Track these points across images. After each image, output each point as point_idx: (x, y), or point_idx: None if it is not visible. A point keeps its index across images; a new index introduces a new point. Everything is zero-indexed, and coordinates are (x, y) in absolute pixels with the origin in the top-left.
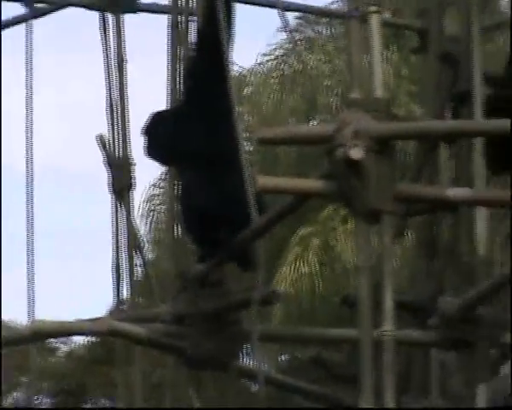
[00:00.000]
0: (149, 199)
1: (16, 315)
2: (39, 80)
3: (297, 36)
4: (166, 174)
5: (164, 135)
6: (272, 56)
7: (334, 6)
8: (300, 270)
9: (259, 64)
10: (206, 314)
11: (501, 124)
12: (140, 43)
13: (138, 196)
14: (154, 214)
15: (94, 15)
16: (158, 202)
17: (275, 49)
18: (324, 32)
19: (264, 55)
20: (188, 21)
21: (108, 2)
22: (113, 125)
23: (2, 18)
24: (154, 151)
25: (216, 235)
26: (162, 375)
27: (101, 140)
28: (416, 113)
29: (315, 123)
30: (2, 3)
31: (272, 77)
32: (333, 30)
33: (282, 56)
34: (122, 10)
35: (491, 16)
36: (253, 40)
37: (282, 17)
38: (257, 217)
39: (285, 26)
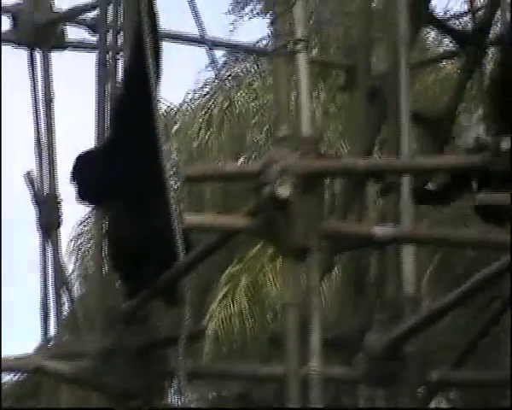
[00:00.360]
0: (77, 237)
1: None
2: None
3: (225, 73)
4: (93, 212)
5: (91, 177)
6: (200, 93)
7: (261, 43)
8: (230, 308)
9: (187, 101)
10: (132, 351)
11: (426, 162)
12: (69, 79)
13: (66, 233)
14: (81, 252)
15: (22, 53)
16: (85, 239)
17: (203, 87)
18: (252, 69)
19: (194, 92)
20: (115, 59)
21: (36, 38)
22: (40, 162)
23: None
24: (84, 195)
25: (142, 272)
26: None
27: (28, 177)
28: (345, 151)
29: (242, 160)
30: None
31: (200, 114)
32: (260, 67)
33: (209, 94)
34: (50, 47)
35: (420, 54)
36: (182, 77)
37: (210, 54)
38: (183, 254)
39: (212, 64)
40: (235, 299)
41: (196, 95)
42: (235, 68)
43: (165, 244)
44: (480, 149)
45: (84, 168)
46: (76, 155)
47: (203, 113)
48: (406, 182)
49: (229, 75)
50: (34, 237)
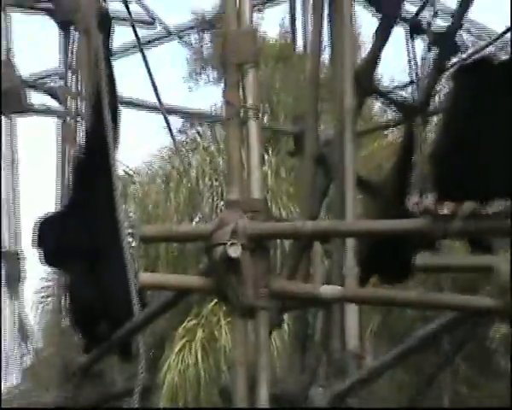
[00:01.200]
0: (39, 291)
1: None
2: None
3: (182, 137)
4: (55, 271)
5: (51, 242)
6: (158, 156)
7: (215, 109)
8: (186, 360)
9: (145, 163)
10: (89, 404)
11: (369, 225)
12: (32, 142)
13: (29, 288)
14: (43, 305)
15: None
16: (47, 293)
17: (160, 150)
18: (208, 133)
19: (151, 155)
20: (76, 124)
21: (1, 104)
22: (7, 225)
23: None
24: (46, 259)
25: (98, 328)
26: None
27: None
28: (295, 212)
29: (197, 221)
30: None
31: (158, 176)
32: (215, 132)
33: (166, 157)
34: (12, 111)
35: (365, 122)
36: (139, 141)
37: (166, 121)
38: (139, 311)
39: (169, 129)
40: (191, 352)
41: (154, 158)
42: (192, 132)
43: (121, 302)
44: (423, 213)
45: (45, 234)
46: (38, 218)
47: (161, 175)
48: (350, 244)
49: (186, 140)
50: None
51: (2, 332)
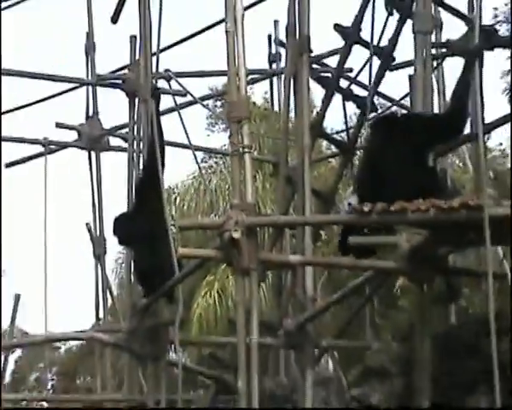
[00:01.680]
0: (117, 259)
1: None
2: None
3: (204, 166)
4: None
5: (123, 230)
6: (190, 177)
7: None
8: (208, 301)
9: (182, 182)
10: (148, 328)
11: (321, 218)
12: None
13: (110, 257)
14: (119, 269)
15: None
16: (121, 261)
17: (192, 173)
18: (222, 163)
19: (187, 176)
20: (138, 157)
21: (92, 145)
22: (95, 218)
23: None
24: (120, 241)
25: (153, 283)
26: (123, 363)
27: (87, 227)
28: (273, 211)
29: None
30: None
31: (190, 189)
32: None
33: (196, 177)
34: (100, 150)
35: (317, 154)
36: (177, 167)
37: (194, 155)
38: (178, 271)
39: (196, 161)
40: (211, 296)
41: (187, 178)
42: (211, 161)
43: (167, 266)
44: (352, 212)
45: (119, 225)
46: (115, 216)
47: (193, 190)
48: (308, 231)
49: (208, 166)
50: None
51: (95, 286)
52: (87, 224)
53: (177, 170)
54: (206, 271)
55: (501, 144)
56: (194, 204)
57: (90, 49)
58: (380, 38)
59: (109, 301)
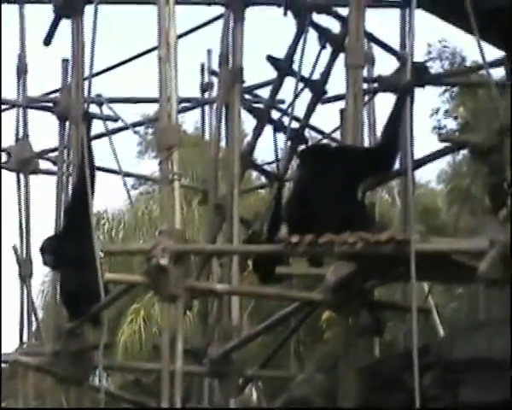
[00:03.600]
0: (42, 282)
1: None
2: None
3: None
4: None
5: (50, 253)
6: (121, 203)
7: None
8: (134, 328)
9: (110, 207)
10: (72, 352)
11: (248, 248)
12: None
13: (36, 280)
14: (45, 291)
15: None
16: (47, 284)
17: (125, 201)
18: (152, 190)
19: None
20: (67, 180)
21: (21, 166)
22: (22, 240)
23: None
24: (47, 263)
25: (79, 307)
26: (47, 385)
27: (14, 249)
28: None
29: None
30: None
31: (122, 216)
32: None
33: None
34: (29, 172)
35: (246, 184)
36: (107, 192)
37: (124, 181)
38: (104, 296)
39: (126, 187)
40: (136, 323)
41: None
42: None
43: (93, 291)
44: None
45: (46, 248)
46: (42, 238)
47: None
48: (235, 260)
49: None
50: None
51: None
52: (13, 246)
53: (107, 195)
54: (132, 298)
55: (429, 181)
56: (123, 230)
57: (21, 70)
58: (312, 71)
59: (34, 323)
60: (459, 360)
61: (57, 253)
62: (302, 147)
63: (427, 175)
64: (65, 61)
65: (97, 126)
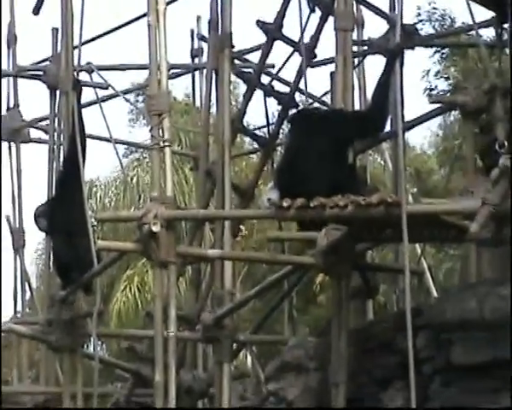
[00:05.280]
0: (35, 251)
1: None
2: None
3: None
4: (46, 238)
5: (44, 219)
6: (113, 170)
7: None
8: (127, 295)
9: (105, 177)
10: (65, 320)
11: (240, 213)
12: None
13: (29, 249)
14: (38, 261)
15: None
16: (40, 253)
17: (116, 167)
18: (143, 157)
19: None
20: (59, 149)
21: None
22: (13, 210)
23: None
24: (41, 228)
25: (71, 275)
26: (41, 353)
27: (7, 219)
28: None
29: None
30: None
31: (114, 184)
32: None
33: (118, 171)
34: (20, 142)
35: (238, 149)
36: (98, 160)
37: (115, 149)
38: (96, 263)
39: (117, 155)
40: (130, 290)
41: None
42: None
43: (85, 258)
44: (271, 205)
45: (40, 212)
46: (35, 207)
47: (116, 183)
48: (227, 225)
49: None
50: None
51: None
52: (7, 217)
53: (99, 163)
54: (126, 265)
55: (422, 144)
56: (115, 198)
57: (10, 40)
58: (301, 35)
59: (27, 293)
60: (451, 321)
61: (51, 218)
62: (292, 111)
63: (418, 140)
64: (54, 29)
65: (88, 94)
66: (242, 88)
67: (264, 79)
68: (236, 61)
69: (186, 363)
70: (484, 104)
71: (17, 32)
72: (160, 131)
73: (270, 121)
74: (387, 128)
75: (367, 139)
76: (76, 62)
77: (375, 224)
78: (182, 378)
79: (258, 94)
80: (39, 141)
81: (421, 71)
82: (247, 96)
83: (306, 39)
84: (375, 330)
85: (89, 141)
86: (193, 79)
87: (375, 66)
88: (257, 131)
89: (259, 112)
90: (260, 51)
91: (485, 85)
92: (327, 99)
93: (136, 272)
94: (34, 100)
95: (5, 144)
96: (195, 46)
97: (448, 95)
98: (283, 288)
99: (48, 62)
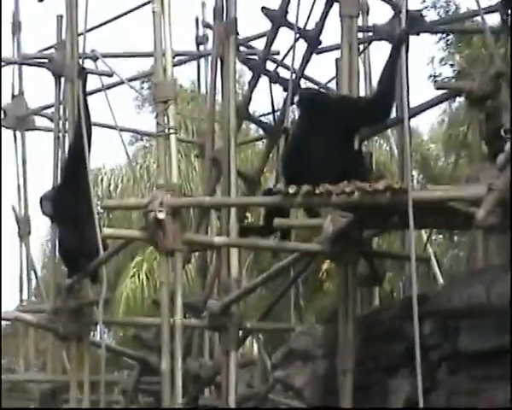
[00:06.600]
0: (41, 239)
1: None
2: None
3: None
4: (51, 226)
5: (49, 207)
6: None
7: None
8: (136, 282)
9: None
10: (71, 308)
11: (246, 200)
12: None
13: (35, 237)
14: (44, 249)
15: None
16: (46, 240)
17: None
18: (149, 145)
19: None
20: (64, 137)
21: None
22: (19, 198)
23: None
24: (45, 211)
25: (77, 263)
26: (48, 342)
27: (13, 208)
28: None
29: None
30: None
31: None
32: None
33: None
34: (25, 129)
35: (244, 137)
36: (104, 148)
37: (121, 136)
38: (102, 251)
39: (123, 142)
40: (139, 278)
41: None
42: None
43: (91, 246)
44: (278, 192)
45: (45, 197)
46: (41, 194)
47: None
48: (233, 212)
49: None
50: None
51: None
52: (12, 206)
53: (105, 151)
54: (134, 252)
55: (429, 131)
56: (121, 185)
57: (15, 28)
58: (306, 22)
59: (33, 281)
60: (458, 307)
61: (56, 205)
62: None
63: (427, 124)
64: (59, 17)
65: (93, 82)
66: (248, 76)
67: (270, 66)
68: (241, 48)
69: (193, 351)
70: (490, 90)
71: (22, 20)
72: (166, 118)
73: (276, 108)
74: (393, 114)
75: (373, 125)
76: (81, 50)
77: (381, 210)
78: (188, 366)
79: (264, 81)
80: (44, 129)
81: (427, 57)
82: (253, 83)
83: (311, 26)
84: (382, 318)
85: (94, 129)
86: (198, 67)
87: (380, 52)
88: (262, 118)
89: (265, 99)
90: (265, 38)
91: (491, 71)
92: (332, 85)
93: (144, 259)
94: (39, 88)
95: (10, 132)
96: (200, 33)
97: (453, 81)
98: (290, 275)
99: (53, 50)
